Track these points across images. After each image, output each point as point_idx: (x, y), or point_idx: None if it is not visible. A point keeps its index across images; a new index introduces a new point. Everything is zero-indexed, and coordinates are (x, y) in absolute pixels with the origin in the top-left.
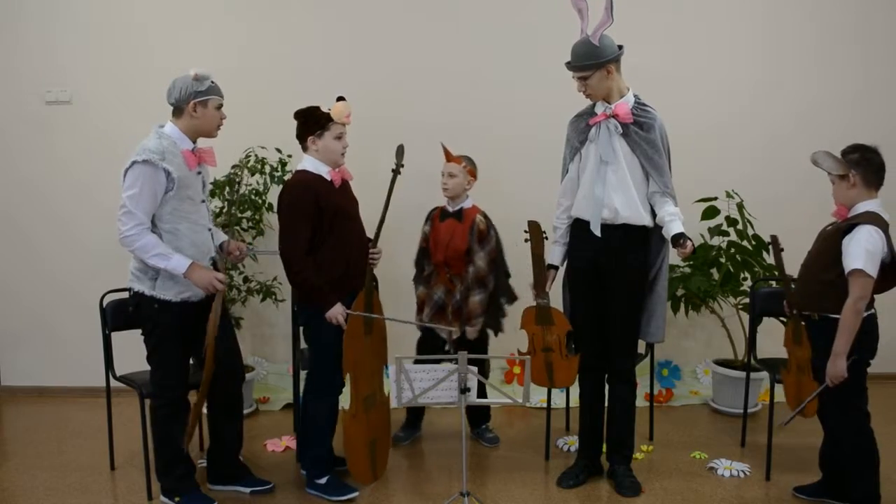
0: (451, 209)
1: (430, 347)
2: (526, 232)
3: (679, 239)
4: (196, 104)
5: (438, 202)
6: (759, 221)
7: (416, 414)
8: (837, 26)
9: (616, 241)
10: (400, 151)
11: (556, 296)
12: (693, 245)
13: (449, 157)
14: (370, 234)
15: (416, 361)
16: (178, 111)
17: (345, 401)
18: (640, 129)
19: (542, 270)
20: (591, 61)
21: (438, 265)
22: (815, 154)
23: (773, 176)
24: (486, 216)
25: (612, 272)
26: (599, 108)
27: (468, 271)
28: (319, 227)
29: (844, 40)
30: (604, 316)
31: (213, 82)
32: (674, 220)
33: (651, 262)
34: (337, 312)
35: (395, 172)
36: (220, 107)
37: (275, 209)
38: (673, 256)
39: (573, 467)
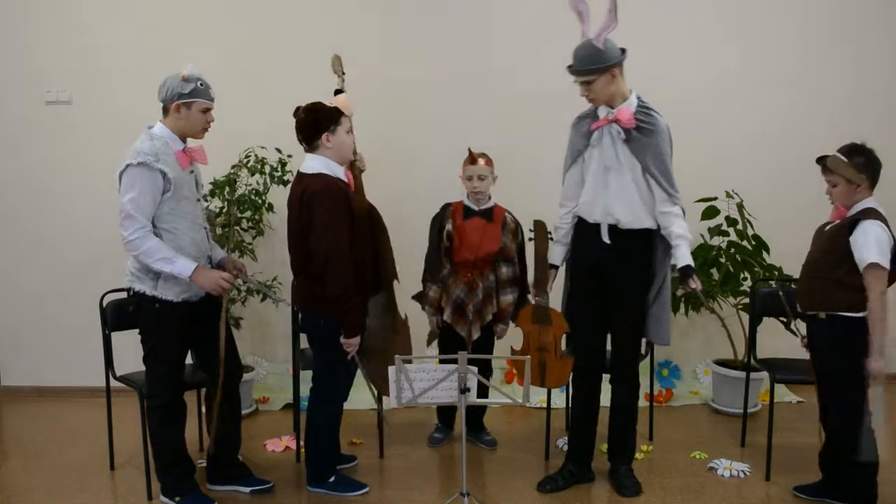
0: (476, 207)
1: (452, 346)
2: (531, 230)
3: (687, 274)
4: (180, 105)
5: (450, 196)
6: (759, 221)
7: (448, 414)
8: (838, 25)
9: (621, 242)
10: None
11: (555, 296)
12: (701, 285)
13: (476, 159)
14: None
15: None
16: (165, 110)
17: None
18: (642, 134)
19: (544, 270)
20: (596, 66)
21: (463, 264)
22: (832, 159)
23: (774, 176)
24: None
25: (617, 272)
26: (602, 112)
27: (501, 271)
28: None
29: (844, 40)
30: (605, 316)
31: (201, 84)
32: (679, 246)
33: (656, 268)
34: (355, 344)
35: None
36: (206, 110)
37: (274, 209)
38: None
39: (557, 472)
